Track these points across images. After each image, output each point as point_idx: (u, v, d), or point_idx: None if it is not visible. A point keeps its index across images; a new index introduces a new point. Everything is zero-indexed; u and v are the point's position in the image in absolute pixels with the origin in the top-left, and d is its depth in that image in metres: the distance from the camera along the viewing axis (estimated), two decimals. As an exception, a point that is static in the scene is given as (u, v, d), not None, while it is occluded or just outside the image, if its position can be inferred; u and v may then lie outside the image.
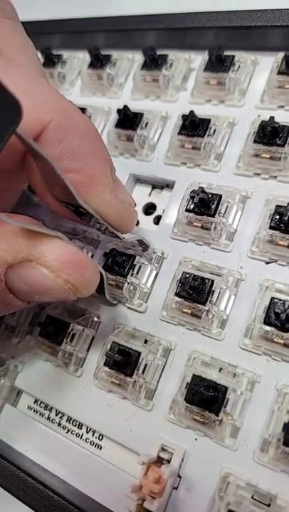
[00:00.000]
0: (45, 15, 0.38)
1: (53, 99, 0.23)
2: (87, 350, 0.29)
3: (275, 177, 0.27)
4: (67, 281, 0.22)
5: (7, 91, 0.18)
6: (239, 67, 0.30)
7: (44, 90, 0.23)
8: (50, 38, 0.38)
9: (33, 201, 0.35)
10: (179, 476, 0.24)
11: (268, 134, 0.27)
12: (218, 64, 0.30)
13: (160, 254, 0.29)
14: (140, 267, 0.28)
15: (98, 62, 0.35)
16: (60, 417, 0.29)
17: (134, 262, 0.28)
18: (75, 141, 0.23)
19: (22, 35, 0.26)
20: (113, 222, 0.25)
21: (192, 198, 0.27)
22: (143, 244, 0.29)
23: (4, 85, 0.17)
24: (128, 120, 0.31)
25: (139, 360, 0.26)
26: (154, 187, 0.33)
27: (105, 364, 0.26)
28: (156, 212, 0.32)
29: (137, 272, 0.28)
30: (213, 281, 0.25)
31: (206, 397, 0.23)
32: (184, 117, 0.29)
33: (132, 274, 0.28)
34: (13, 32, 0.25)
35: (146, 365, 0.26)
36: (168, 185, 0.32)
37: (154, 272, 0.28)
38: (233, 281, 0.26)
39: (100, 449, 0.27)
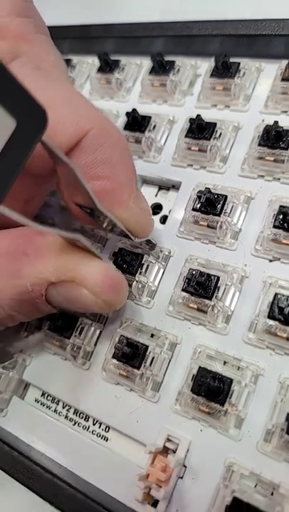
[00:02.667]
0: (55, 21, 0.39)
1: (90, 110, 0.25)
2: (95, 345, 0.29)
3: (279, 179, 0.28)
4: (105, 302, 0.25)
5: (34, 100, 0.19)
6: (244, 73, 0.31)
7: (82, 101, 0.25)
8: (59, 43, 0.39)
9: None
10: (185, 466, 0.25)
11: (272, 137, 0.28)
12: (224, 70, 0.31)
13: (167, 253, 0.29)
14: (148, 265, 0.29)
15: (107, 67, 0.36)
16: (67, 410, 0.30)
17: (143, 261, 0.29)
18: (108, 150, 0.24)
19: (54, 49, 0.27)
20: (133, 229, 0.27)
21: (199, 197, 0.28)
22: (150, 243, 0.30)
23: (32, 96, 0.18)
24: (136, 123, 0.32)
25: (147, 353, 0.26)
26: (160, 188, 0.34)
27: (113, 356, 0.27)
28: (163, 212, 0.33)
29: (145, 271, 0.29)
30: (218, 278, 0.26)
31: (212, 388, 0.24)
32: (191, 121, 0.30)
33: (140, 273, 0.29)
34: (48, 47, 0.27)
35: (153, 357, 0.26)
36: (174, 186, 0.33)
37: (162, 270, 0.29)
38: (237, 278, 0.27)
39: (107, 440, 0.28)
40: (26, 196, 0.28)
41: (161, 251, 0.29)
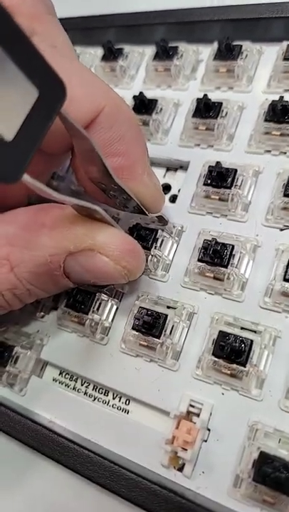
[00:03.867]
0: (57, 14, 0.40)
1: (104, 88, 0.26)
2: (112, 320, 0.30)
3: (285, 153, 0.29)
4: (125, 268, 0.25)
5: (54, 73, 0.19)
6: (246, 55, 0.33)
7: (96, 79, 0.26)
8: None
9: (50, 186, 0.36)
10: (208, 429, 0.25)
11: (278, 112, 0.29)
12: (228, 52, 0.32)
13: (180, 228, 0.30)
14: (163, 240, 0.30)
15: (111, 55, 0.37)
16: (86, 387, 0.30)
17: (157, 236, 0.30)
18: (122, 127, 0.25)
19: (64, 31, 0.28)
20: (147, 203, 0.28)
21: (210, 172, 0.29)
22: (162, 220, 0.30)
23: (52, 68, 0.19)
24: (144, 106, 0.33)
25: (166, 322, 0.27)
26: (168, 169, 0.35)
27: (133, 328, 0.28)
28: (172, 192, 0.34)
29: (160, 245, 0.30)
30: (233, 246, 0.27)
31: (234, 348, 0.24)
32: (198, 100, 0.31)
33: (155, 247, 0.29)
34: (59, 28, 0.27)
35: (172, 326, 0.27)
36: (182, 167, 0.34)
37: (175, 245, 0.30)
38: (250, 247, 0.28)
39: (128, 413, 0.29)
40: (35, 174, 0.29)
41: (174, 226, 0.30)
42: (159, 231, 0.30)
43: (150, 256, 0.29)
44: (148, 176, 0.27)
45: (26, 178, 0.19)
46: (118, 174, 0.25)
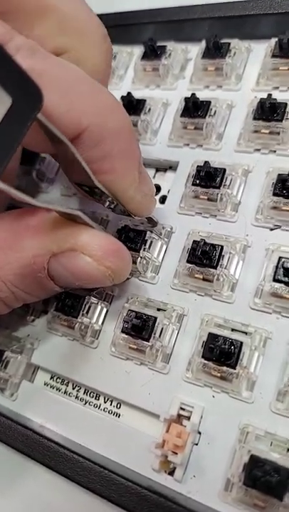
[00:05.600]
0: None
1: (91, 99, 0.24)
2: (102, 323, 0.30)
3: (275, 151, 0.29)
4: (108, 268, 0.25)
5: (30, 79, 0.19)
6: (235, 53, 0.32)
7: (82, 89, 0.24)
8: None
9: (40, 189, 0.36)
10: (199, 433, 0.25)
11: (267, 110, 0.28)
12: (216, 50, 0.32)
13: (169, 229, 0.30)
14: (151, 241, 0.29)
15: (99, 55, 0.37)
16: (77, 390, 0.30)
17: (146, 237, 0.29)
18: (108, 144, 0.24)
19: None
20: (134, 212, 0.27)
21: (198, 172, 0.29)
22: (152, 222, 0.30)
23: (27, 74, 0.19)
24: (132, 106, 0.33)
25: (156, 325, 0.27)
26: (157, 170, 0.34)
27: (122, 331, 0.28)
28: (161, 193, 0.33)
29: (149, 247, 0.29)
30: (222, 247, 0.27)
31: (223, 350, 0.24)
32: (187, 99, 0.31)
33: (144, 249, 0.29)
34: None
35: (162, 329, 0.27)
36: (171, 167, 0.33)
37: (164, 246, 0.30)
38: (240, 247, 0.27)
39: (119, 416, 0.28)
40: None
41: (163, 227, 0.30)
42: (148, 233, 0.29)
43: (139, 258, 0.29)
44: (135, 189, 0.26)
45: (1, 185, 0.19)
46: (104, 186, 0.25)
